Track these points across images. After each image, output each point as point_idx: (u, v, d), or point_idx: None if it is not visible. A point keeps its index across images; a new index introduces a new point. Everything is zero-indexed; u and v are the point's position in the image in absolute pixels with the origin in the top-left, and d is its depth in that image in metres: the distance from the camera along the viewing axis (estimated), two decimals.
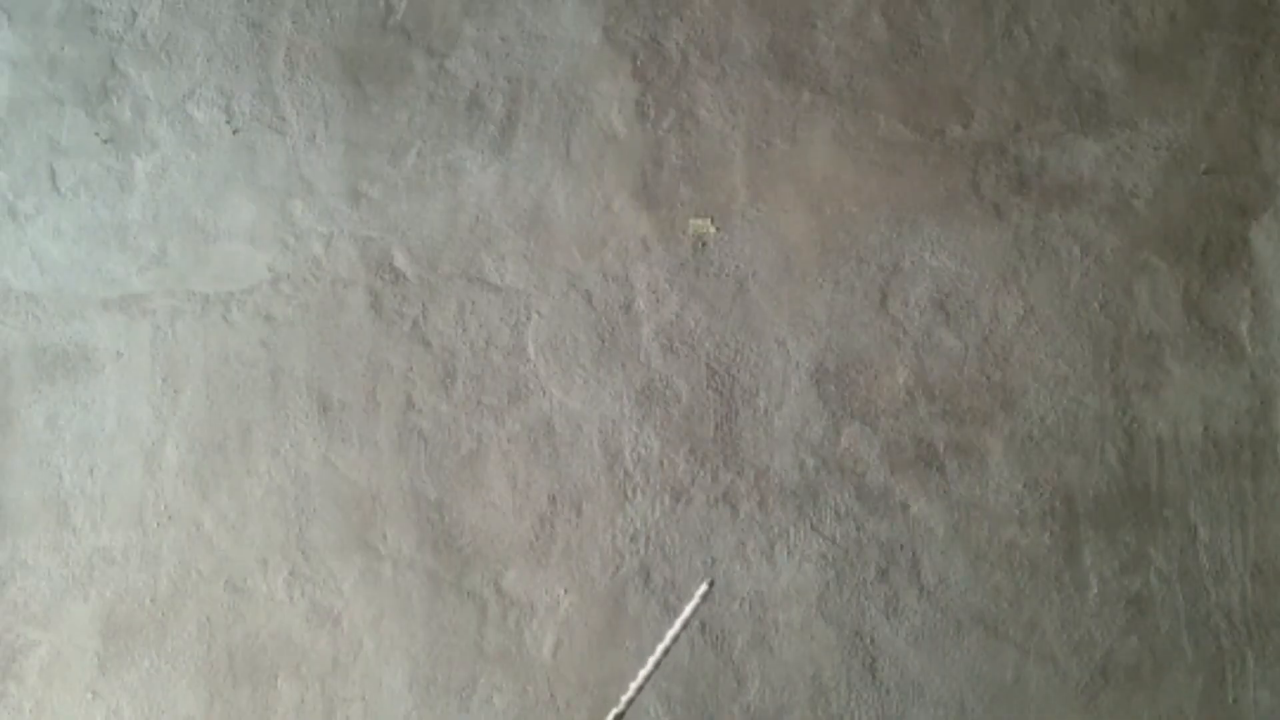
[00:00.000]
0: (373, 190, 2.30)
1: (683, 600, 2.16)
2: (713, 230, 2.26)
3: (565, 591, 2.17)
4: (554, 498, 2.20)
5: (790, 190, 2.27)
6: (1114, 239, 2.22)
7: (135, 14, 2.38)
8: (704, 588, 1.59)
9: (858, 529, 2.17)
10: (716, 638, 2.15)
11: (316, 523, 2.21)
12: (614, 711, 1.62)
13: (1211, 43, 2.26)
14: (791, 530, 2.17)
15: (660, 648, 1.56)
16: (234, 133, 2.34)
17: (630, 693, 1.58)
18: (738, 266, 2.25)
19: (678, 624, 1.57)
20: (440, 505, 2.20)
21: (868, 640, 2.14)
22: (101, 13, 2.39)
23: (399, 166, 2.31)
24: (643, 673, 1.58)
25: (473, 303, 2.26)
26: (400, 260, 2.28)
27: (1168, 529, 2.15)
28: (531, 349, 2.24)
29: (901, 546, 2.16)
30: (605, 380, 2.22)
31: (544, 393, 2.23)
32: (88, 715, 2.18)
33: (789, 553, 2.17)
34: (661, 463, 2.20)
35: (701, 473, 2.19)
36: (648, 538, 2.18)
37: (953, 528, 2.16)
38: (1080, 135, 2.25)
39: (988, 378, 2.19)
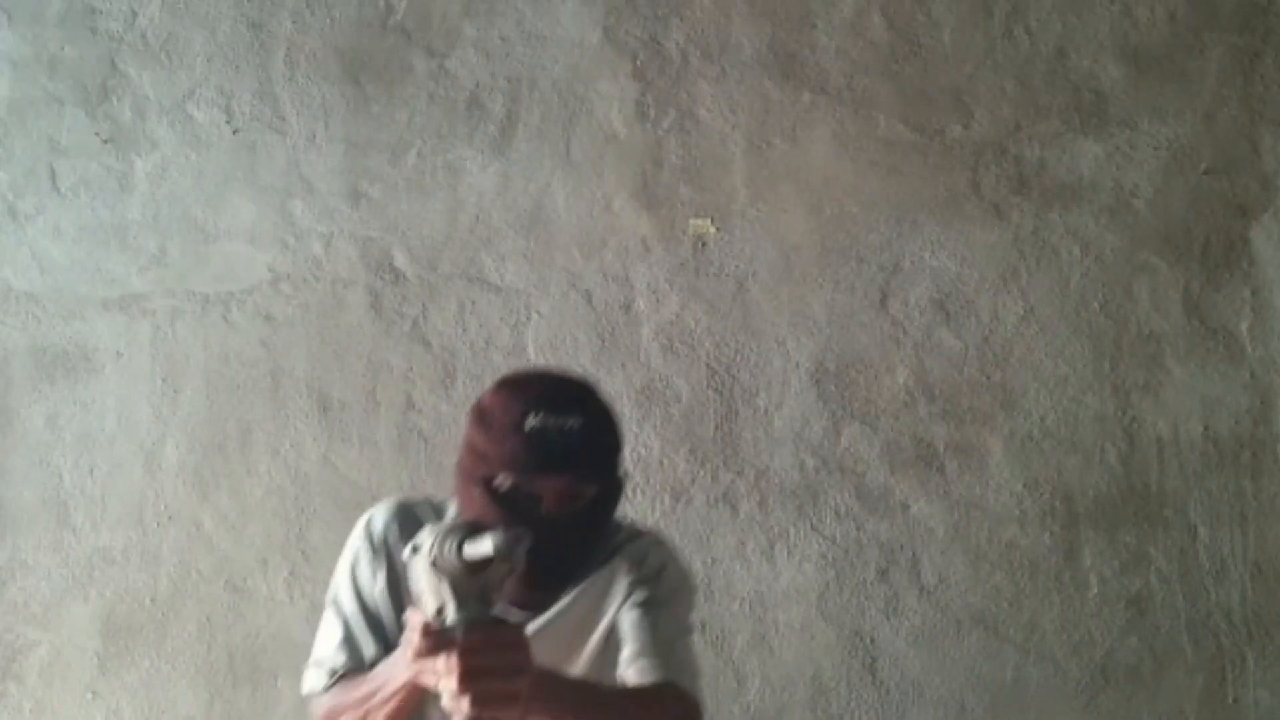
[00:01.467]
0: (373, 190, 2.30)
1: None
2: (713, 230, 2.26)
3: None
4: None
5: (790, 190, 2.26)
6: (1114, 239, 2.22)
7: (135, 14, 2.38)
8: None
9: (858, 529, 2.17)
10: (716, 638, 2.14)
11: (316, 523, 2.21)
12: None
13: (1211, 43, 2.26)
14: (791, 530, 2.17)
15: None
16: (234, 133, 2.34)
17: None
18: (738, 266, 2.25)
19: None
20: None
21: (868, 640, 2.14)
22: (101, 13, 2.38)
23: (399, 166, 2.30)
24: None
25: (473, 303, 2.26)
26: (400, 260, 2.28)
27: (1168, 529, 2.14)
28: (531, 349, 2.24)
29: (901, 546, 2.16)
30: (605, 380, 2.22)
31: None
32: (88, 715, 2.17)
33: (789, 553, 2.16)
34: (661, 463, 2.19)
35: (701, 473, 2.19)
36: None
37: (953, 528, 2.16)
38: (1080, 135, 2.25)
39: (988, 378, 2.19)
